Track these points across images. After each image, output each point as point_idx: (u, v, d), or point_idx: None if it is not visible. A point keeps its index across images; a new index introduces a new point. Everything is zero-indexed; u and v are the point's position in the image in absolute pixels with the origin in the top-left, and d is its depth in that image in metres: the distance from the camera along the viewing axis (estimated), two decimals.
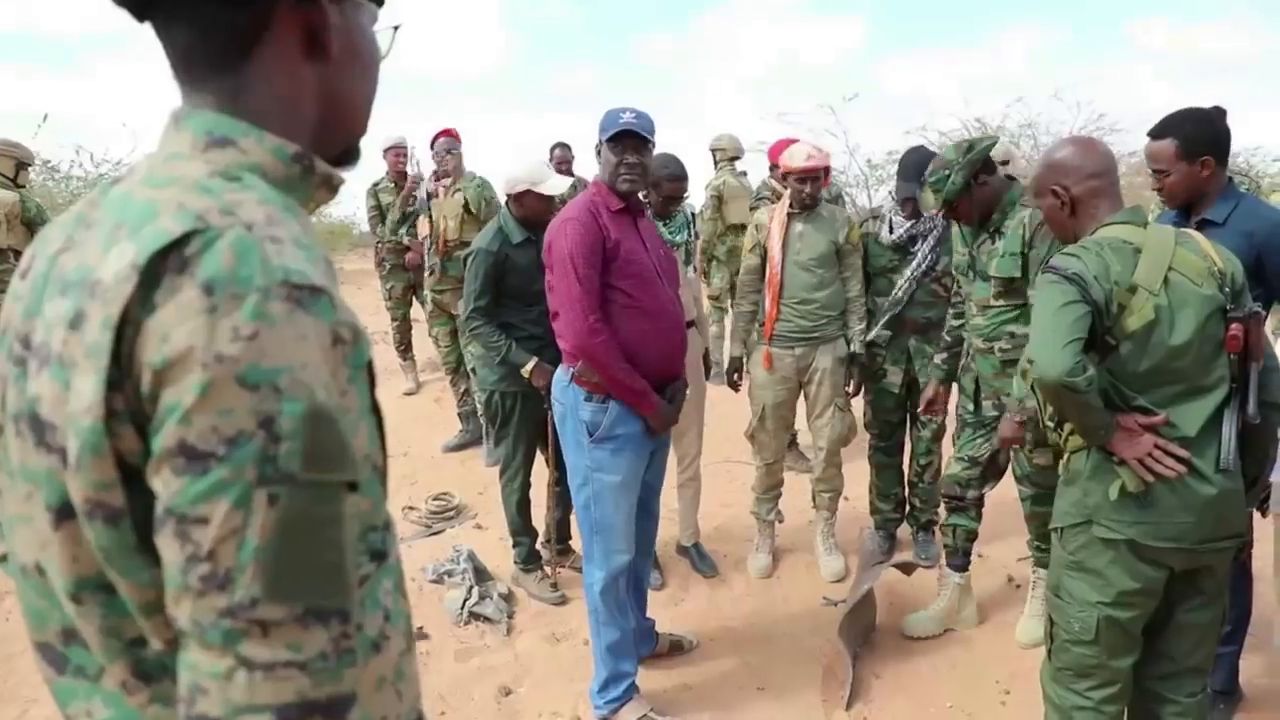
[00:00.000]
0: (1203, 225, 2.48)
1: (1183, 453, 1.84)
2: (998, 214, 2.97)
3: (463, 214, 5.23)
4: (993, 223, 2.99)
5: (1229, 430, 1.87)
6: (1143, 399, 1.87)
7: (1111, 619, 1.94)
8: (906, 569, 3.36)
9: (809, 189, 3.53)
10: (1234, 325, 1.86)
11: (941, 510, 3.42)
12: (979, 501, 3.27)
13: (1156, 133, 2.45)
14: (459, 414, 5.69)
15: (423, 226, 5.53)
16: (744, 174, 7.15)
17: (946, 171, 2.93)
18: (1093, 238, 1.93)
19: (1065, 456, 2.03)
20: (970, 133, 17.75)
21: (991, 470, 3.20)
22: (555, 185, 3.51)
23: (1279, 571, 2.31)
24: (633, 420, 2.66)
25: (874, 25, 41.12)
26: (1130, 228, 1.92)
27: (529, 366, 3.40)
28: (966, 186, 2.92)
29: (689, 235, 3.77)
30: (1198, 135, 2.40)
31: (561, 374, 2.72)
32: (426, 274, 5.60)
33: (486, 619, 3.45)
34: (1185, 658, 2.05)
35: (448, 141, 5.30)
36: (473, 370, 4.66)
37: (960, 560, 3.35)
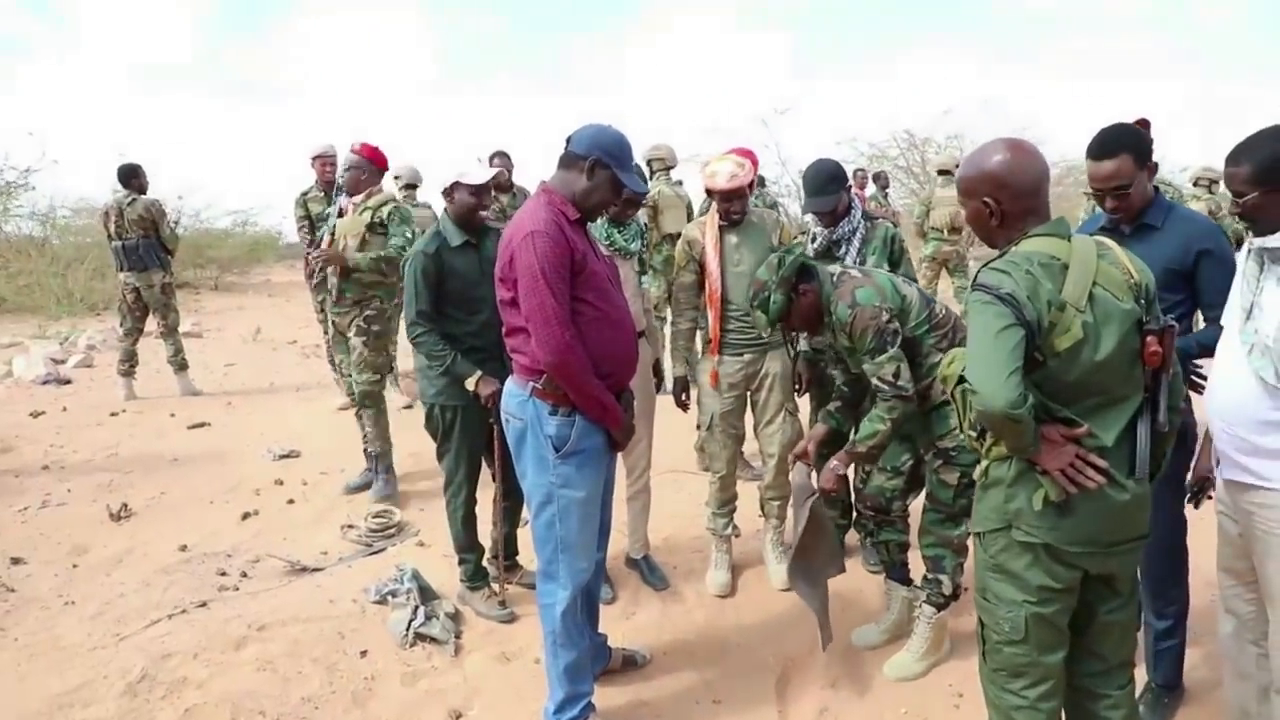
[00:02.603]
0: (1143, 229, 2.54)
1: (1102, 463, 1.88)
2: (826, 314, 3.00)
3: (364, 234, 4.73)
4: (825, 325, 3.03)
5: (1144, 439, 1.92)
6: (1066, 410, 1.89)
7: (1038, 615, 1.98)
8: (826, 495, 3.22)
9: (734, 206, 3.52)
10: (1151, 339, 1.90)
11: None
12: (904, 513, 3.29)
13: (1108, 152, 2.47)
14: (365, 452, 5.15)
15: (325, 244, 4.95)
16: (679, 183, 7.19)
17: (766, 293, 2.98)
18: (1020, 251, 1.92)
19: (984, 464, 2.04)
20: (899, 144, 18.24)
21: (914, 480, 3.23)
22: (482, 174, 3.46)
23: (1222, 568, 2.36)
24: (596, 433, 2.61)
25: (802, 37, 41.95)
26: (1055, 241, 1.92)
27: (473, 379, 3.31)
28: (789, 300, 2.97)
29: (642, 244, 3.72)
30: (1143, 145, 2.47)
31: (516, 388, 2.62)
32: (330, 296, 5.02)
33: (433, 640, 3.34)
34: (1113, 654, 2.11)
35: (352, 158, 4.74)
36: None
37: (899, 573, 3.35)
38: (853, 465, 3.75)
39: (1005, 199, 1.95)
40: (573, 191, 2.55)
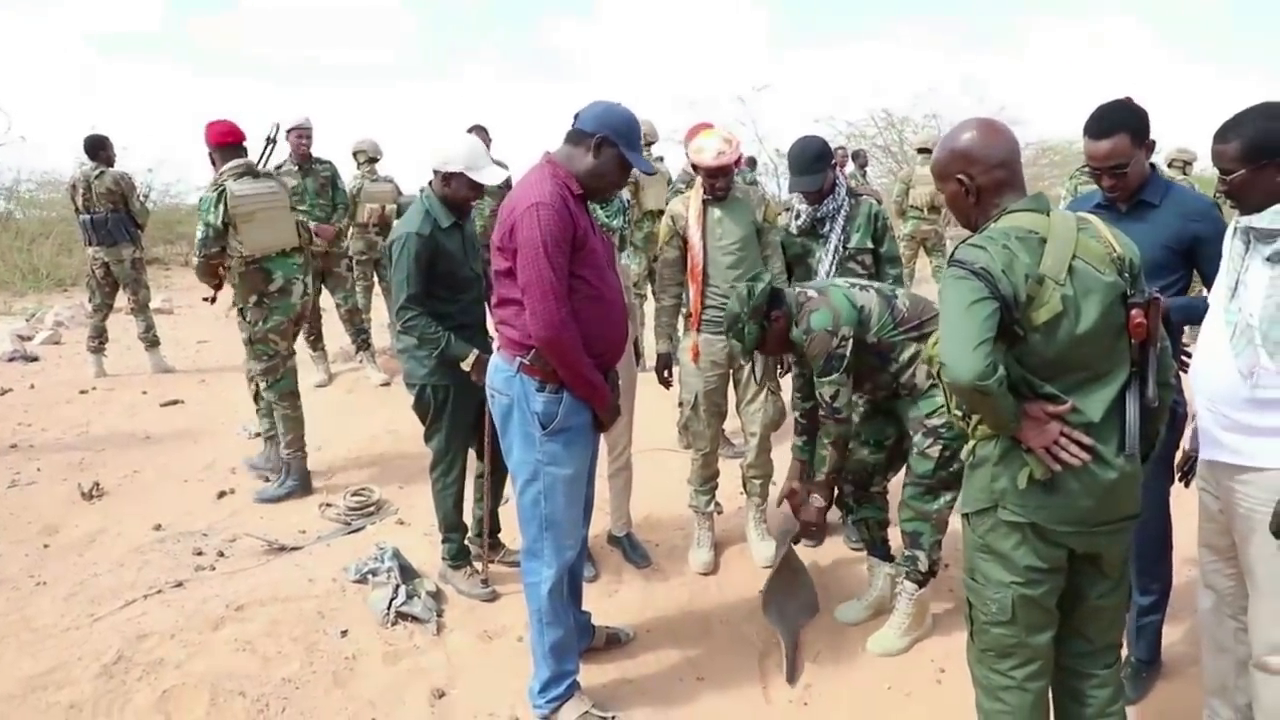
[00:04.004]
0: (1140, 206, 2.55)
1: (1087, 440, 1.88)
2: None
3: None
4: (796, 349, 3.07)
5: (1133, 414, 1.91)
6: (1050, 386, 1.89)
7: (1025, 597, 1.98)
8: (806, 535, 3.34)
9: (720, 182, 3.50)
10: (1135, 311, 1.89)
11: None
12: (883, 489, 3.31)
13: (1105, 130, 2.47)
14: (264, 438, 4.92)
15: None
16: (660, 159, 7.15)
17: (740, 324, 3.01)
18: (998, 227, 1.91)
19: (972, 443, 2.04)
20: (877, 123, 18.23)
21: (895, 455, 3.24)
22: (492, 175, 3.33)
23: (1203, 544, 2.38)
24: (583, 410, 2.58)
25: (778, 15, 41.76)
26: (1034, 215, 1.91)
27: (470, 359, 3.26)
28: (762, 330, 3.01)
29: (624, 220, 3.67)
30: (1141, 123, 2.47)
31: (503, 364, 2.58)
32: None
33: (415, 618, 3.31)
34: (1101, 637, 2.12)
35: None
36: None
37: (880, 550, 3.37)
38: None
39: (977, 173, 1.96)
40: (578, 168, 2.49)
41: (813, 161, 3.50)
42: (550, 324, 2.39)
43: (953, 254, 1.91)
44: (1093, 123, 2.50)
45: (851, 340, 2.91)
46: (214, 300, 4.71)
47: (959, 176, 1.98)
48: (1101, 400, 1.90)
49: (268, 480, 4.77)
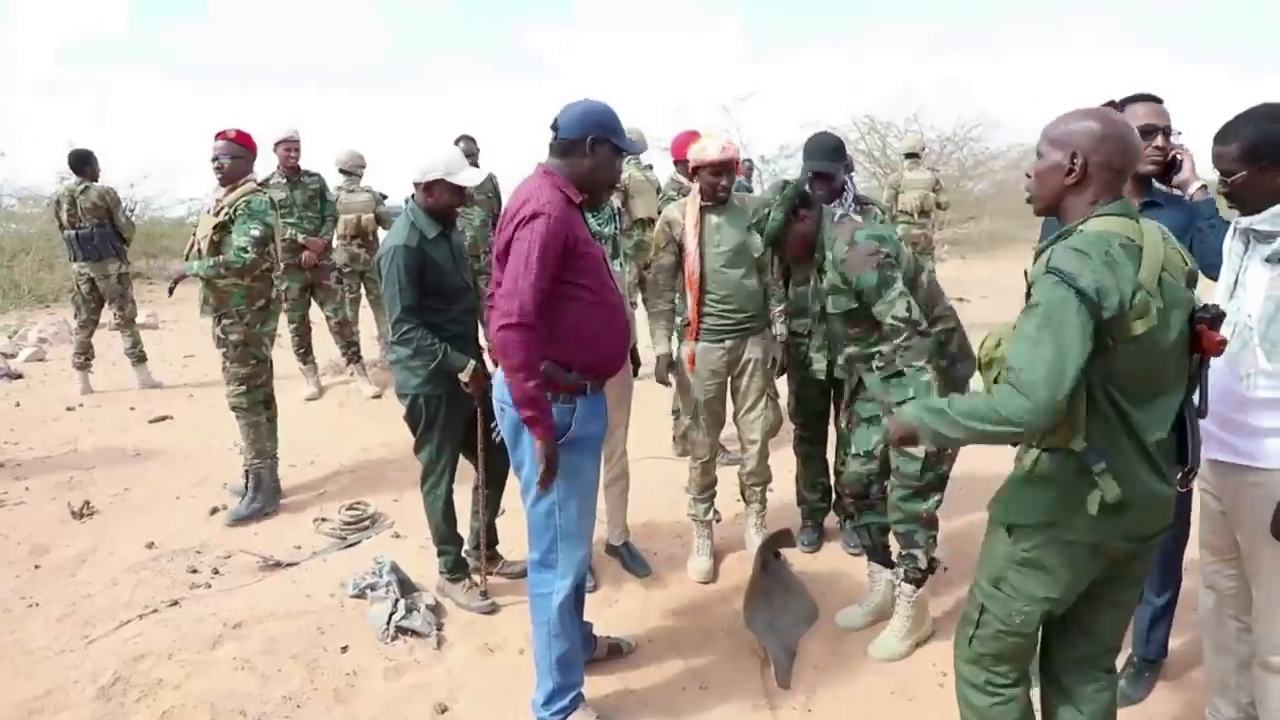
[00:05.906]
0: (1148, 206, 2.59)
1: None
2: (818, 252, 3.04)
3: (213, 235, 4.26)
4: (815, 262, 3.08)
5: (1193, 429, 1.87)
6: (1125, 399, 1.80)
7: (1051, 611, 1.95)
8: (780, 544, 3.44)
9: (723, 182, 3.50)
10: (1207, 328, 1.82)
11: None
12: (884, 495, 3.29)
13: (1154, 98, 2.61)
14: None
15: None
16: (649, 167, 7.14)
17: (767, 210, 3.03)
18: (1095, 231, 1.78)
19: (1035, 453, 1.91)
20: (859, 127, 18.34)
21: (888, 460, 3.23)
22: (470, 177, 3.35)
23: (1204, 544, 2.40)
24: (598, 418, 2.57)
25: (755, 21, 42.00)
26: (1127, 222, 1.80)
27: (467, 371, 3.26)
28: (787, 221, 3.02)
29: (616, 228, 3.67)
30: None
31: None
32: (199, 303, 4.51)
33: (415, 633, 3.29)
34: (1110, 636, 2.08)
35: (222, 145, 4.30)
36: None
37: (881, 555, 3.37)
38: (835, 450, 3.78)
39: (1096, 161, 1.80)
40: (576, 173, 2.49)
41: (830, 151, 3.57)
42: (509, 313, 2.32)
43: (1050, 257, 1.76)
44: (1144, 94, 2.62)
45: (894, 259, 2.90)
46: (171, 291, 4.61)
47: (1074, 152, 1.81)
48: (1171, 415, 1.84)
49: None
